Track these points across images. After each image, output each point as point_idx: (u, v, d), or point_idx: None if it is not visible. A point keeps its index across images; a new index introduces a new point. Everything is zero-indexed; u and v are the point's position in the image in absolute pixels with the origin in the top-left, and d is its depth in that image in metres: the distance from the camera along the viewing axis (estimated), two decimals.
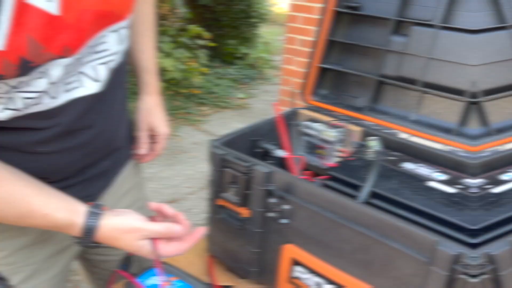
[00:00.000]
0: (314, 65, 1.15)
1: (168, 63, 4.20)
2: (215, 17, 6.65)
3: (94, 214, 0.78)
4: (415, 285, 0.69)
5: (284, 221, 0.83)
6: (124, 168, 1.10)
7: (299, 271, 0.85)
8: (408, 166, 0.93)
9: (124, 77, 0.95)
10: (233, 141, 0.95)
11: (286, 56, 4.03)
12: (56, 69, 0.74)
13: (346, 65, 1.17)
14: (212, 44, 5.41)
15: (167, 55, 4.36)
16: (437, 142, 1.00)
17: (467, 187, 0.87)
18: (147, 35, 1.13)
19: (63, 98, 0.79)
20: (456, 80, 1.00)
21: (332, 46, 1.17)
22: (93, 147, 0.91)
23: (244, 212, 0.88)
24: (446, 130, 1.02)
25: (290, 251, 0.85)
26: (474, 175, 0.93)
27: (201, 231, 0.84)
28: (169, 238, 0.81)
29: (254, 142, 1.04)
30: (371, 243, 0.73)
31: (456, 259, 0.64)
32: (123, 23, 0.84)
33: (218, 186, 0.90)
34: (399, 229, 0.69)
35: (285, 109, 1.14)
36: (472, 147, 0.97)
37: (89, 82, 0.82)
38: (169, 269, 0.82)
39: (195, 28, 4.96)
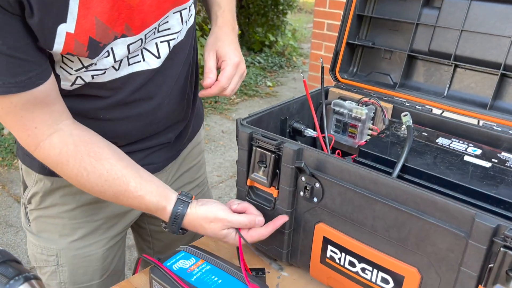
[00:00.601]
0: (344, 42, 1.12)
1: None
2: (243, 5, 6.62)
3: (183, 202, 0.84)
4: (452, 260, 0.67)
5: (315, 199, 0.82)
6: (188, 144, 1.16)
7: (332, 251, 0.84)
8: (442, 141, 0.90)
9: (188, 55, 0.98)
10: (261, 120, 0.94)
11: (314, 41, 3.98)
12: (120, 47, 0.79)
13: (376, 41, 1.14)
14: (239, 32, 5.38)
15: None
16: (471, 117, 0.97)
17: (504, 161, 0.83)
18: None
19: (126, 71, 0.85)
20: (490, 52, 0.96)
21: (362, 22, 1.14)
22: (154, 117, 0.95)
23: (274, 192, 0.87)
24: (480, 105, 0.98)
25: (323, 230, 0.84)
26: (510, 150, 0.90)
27: (283, 218, 0.87)
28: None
29: (283, 121, 1.03)
30: (405, 219, 0.71)
31: (496, 232, 0.61)
32: (186, 5, 0.87)
33: (246, 166, 0.89)
34: (435, 203, 0.67)
35: (315, 87, 1.12)
36: (508, 121, 0.93)
37: (151, 58, 0.87)
38: (197, 252, 0.82)
39: None
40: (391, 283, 0.76)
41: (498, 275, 0.61)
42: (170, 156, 1.08)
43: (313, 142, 1.17)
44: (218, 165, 3.64)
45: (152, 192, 0.83)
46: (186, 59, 0.97)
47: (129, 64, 0.84)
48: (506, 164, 0.82)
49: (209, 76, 0.91)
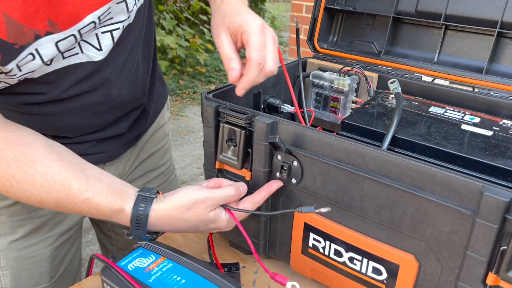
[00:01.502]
0: (322, 7, 1.01)
1: (170, 40, 4.05)
2: None
3: (145, 199, 0.68)
4: (456, 244, 0.57)
5: (293, 180, 0.71)
6: (147, 131, 1.03)
7: (315, 239, 0.73)
8: (435, 110, 0.79)
9: (139, 35, 0.84)
10: (230, 94, 0.82)
11: (293, 24, 3.86)
12: (46, 47, 0.65)
13: (357, 5, 1.02)
14: None
15: (169, 32, 4.21)
16: (466, 84, 0.86)
17: (507, 128, 0.73)
18: None
19: (60, 64, 0.71)
20: (485, 10, 0.86)
21: None
22: (102, 109, 0.82)
23: (246, 174, 0.76)
24: (475, 69, 0.88)
25: (303, 216, 0.73)
26: (511, 117, 0.80)
27: (277, 182, 0.73)
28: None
29: (256, 96, 0.91)
30: (399, 197, 0.60)
31: (509, 207, 0.51)
32: None
33: (214, 146, 0.77)
34: (433, 177, 0.56)
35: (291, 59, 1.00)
36: (507, 85, 0.83)
37: (91, 50, 0.73)
38: (157, 249, 0.69)
39: (198, 3, 4.80)
40: (384, 274, 0.66)
41: None
42: (126, 143, 0.95)
43: (292, 119, 1.05)
44: (197, 156, 3.51)
45: (102, 192, 0.67)
46: (136, 41, 0.83)
47: (63, 58, 0.70)
48: (509, 132, 0.72)
49: (231, 66, 0.71)
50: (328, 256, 0.71)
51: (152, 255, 0.68)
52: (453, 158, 0.66)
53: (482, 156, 0.64)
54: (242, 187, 0.72)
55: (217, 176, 0.80)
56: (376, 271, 0.66)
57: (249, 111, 0.72)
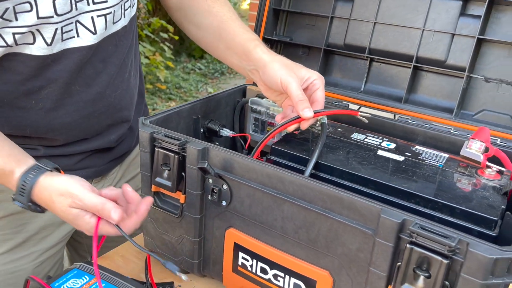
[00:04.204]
0: (261, 38, 1.07)
1: None
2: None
3: (38, 169, 0.70)
4: (362, 261, 0.63)
5: (223, 203, 0.76)
6: (134, 148, 1.07)
7: (243, 258, 0.77)
8: (356, 136, 0.86)
9: (131, 46, 0.90)
10: (168, 119, 0.87)
11: None
12: (44, 1, 0.70)
13: (294, 37, 1.10)
14: (176, 37, 5.30)
15: None
16: (388, 111, 0.94)
17: (417, 154, 0.81)
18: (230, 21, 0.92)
19: (58, 47, 0.77)
20: (403, 45, 0.95)
21: (279, 17, 1.10)
22: (94, 109, 0.86)
23: (180, 197, 0.80)
24: (396, 99, 0.96)
25: (233, 236, 0.78)
26: (424, 143, 0.88)
27: (148, 200, 0.72)
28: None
29: (195, 121, 0.96)
30: (314, 218, 0.66)
31: (402, 227, 0.57)
32: None
33: (150, 170, 0.81)
34: (341, 200, 0.63)
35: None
36: (422, 114, 0.91)
37: (86, 33, 0.79)
38: (91, 269, 0.72)
39: (158, 21, 4.84)
40: None
41: (405, 273, 0.57)
42: (113, 159, 0.99)
43: (233, 143, 1.11)
44: None
45: (1, 153, 0.70)
46: (129, 49, 0.90)
47: (62, 40, 0.76)
48: (419, 157, 0.80)
49: (305, 105, 0.76)
50: (256, 274, 0.76)
51: (86, 276, 0.72)
52: (366, 182, 0.73)
53: (390, 180, 0.71)
54: (109, 214, 0.67)
55: (154, 199, 0.83)
56: (297, 287, 0.71)
57: (182, 137, 0.77)
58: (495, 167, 0.75)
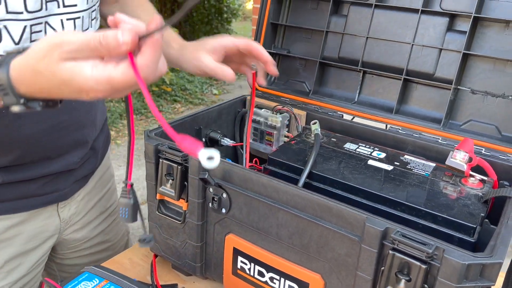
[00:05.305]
0: None
1: None
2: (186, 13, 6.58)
3: (11, 53, 0.55)
4: (350, 265, 0.68)
5: (223, 210, 0.82)
6: (98, 169, 1.06)
7: (242, 262, 0.83)
8: (349, 146, 0.92)
9: None
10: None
11: None
12: (15, 26, 0.69)
13: (292, 49, 1.15)
14: None
15: None
16: (380, 122, 0.99)
17: (406, 163, 0.86)
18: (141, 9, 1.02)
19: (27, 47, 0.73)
20: (394, 58, 1.00)
21: (277, 30, 1.15)
22: (58, 120, 0.85)
23: (183, 204, 0.86)
24: (388, 109, 1.01)
25: (232, 241, 0.83)
26: (413, 152, 0.93)
27: (156, 19, 0.51)
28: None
29: (198, 131, 1.02)
30: (305, 225, 0.71)
31: (385, 235, 0.62)
32: None
33: (154, 180, 0.87)
34: (330, 209, 0.68)
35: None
36: (411, 124, 0.96)
37: None
38: (101, 273, 0.78)
39: None
40: None
41: (388, 277, 0.62)
42: (77, 181, 0.98)
43: (234, 152, 1.16)
44: None
45: None
46: None
47: (31, 40, 0.72)
48: (407, 166, 0.85)
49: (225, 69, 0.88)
50: (253, 276, 0.82)
51: (96, 279, 0.77)
52: (356, 191, 0.78)
53: (378, 189, 0.77)
54: (123, 33, 0.49)
55: (158, 207, 0.89)
56: None
57: None
58: (478, 176, 0.80)
